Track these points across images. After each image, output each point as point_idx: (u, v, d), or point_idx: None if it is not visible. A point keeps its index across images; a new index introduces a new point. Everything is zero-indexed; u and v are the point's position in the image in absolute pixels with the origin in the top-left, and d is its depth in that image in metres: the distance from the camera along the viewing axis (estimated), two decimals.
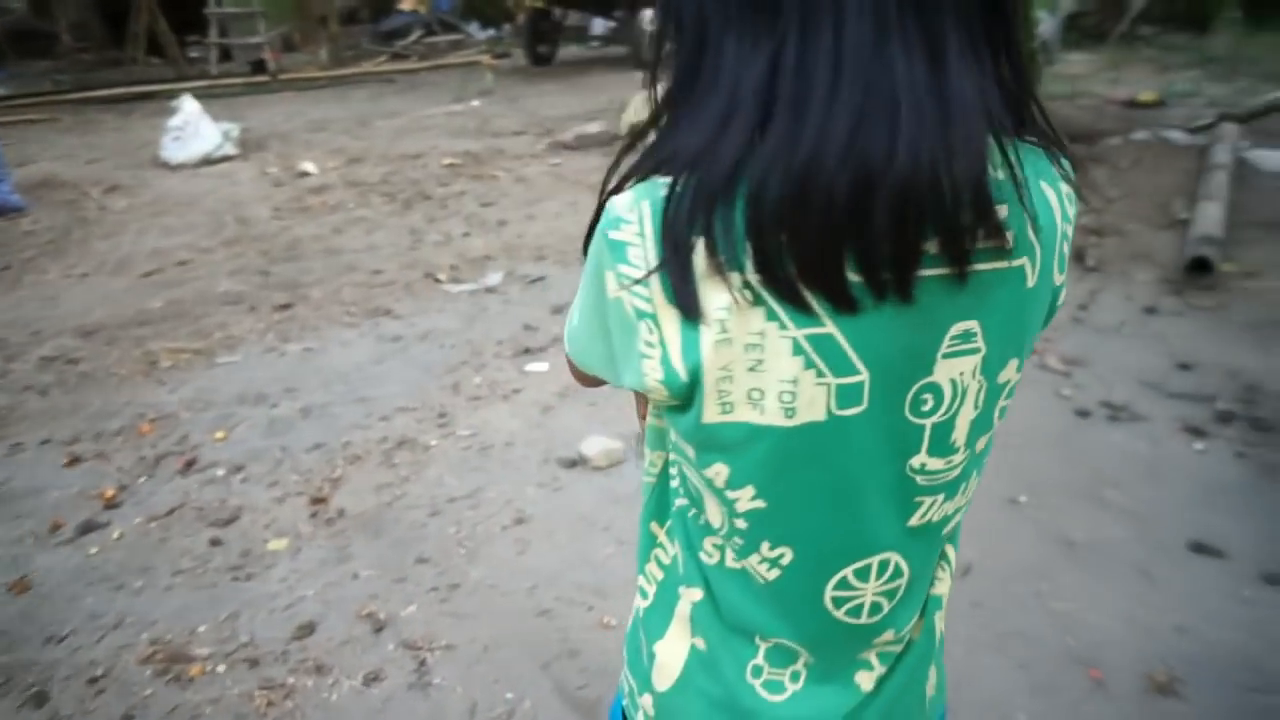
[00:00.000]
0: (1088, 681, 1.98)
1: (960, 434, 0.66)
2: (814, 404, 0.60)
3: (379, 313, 3.99)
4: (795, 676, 0.76)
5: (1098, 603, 2.19)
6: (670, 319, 0.59)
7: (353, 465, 2.84)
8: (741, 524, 0.69)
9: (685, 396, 0.63)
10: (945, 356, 0.61)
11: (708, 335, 0.58)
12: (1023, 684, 1.98)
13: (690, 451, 0.68)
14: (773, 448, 0.63)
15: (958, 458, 0.67)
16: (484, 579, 2.34)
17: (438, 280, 4.32)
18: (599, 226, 0.62)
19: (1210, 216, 4.30)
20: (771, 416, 0.61)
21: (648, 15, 9.95)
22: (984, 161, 0.55)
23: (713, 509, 0.70)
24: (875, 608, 0.73)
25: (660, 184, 0.59)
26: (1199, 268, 3.96)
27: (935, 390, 0.62)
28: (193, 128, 6.42)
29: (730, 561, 0.72)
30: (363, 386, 3.34)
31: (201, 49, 11.17)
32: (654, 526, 0.80)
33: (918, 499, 0.68)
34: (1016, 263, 0.61)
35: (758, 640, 0.75)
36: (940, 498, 0.69)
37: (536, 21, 10.50)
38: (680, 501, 0.75)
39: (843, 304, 0.56)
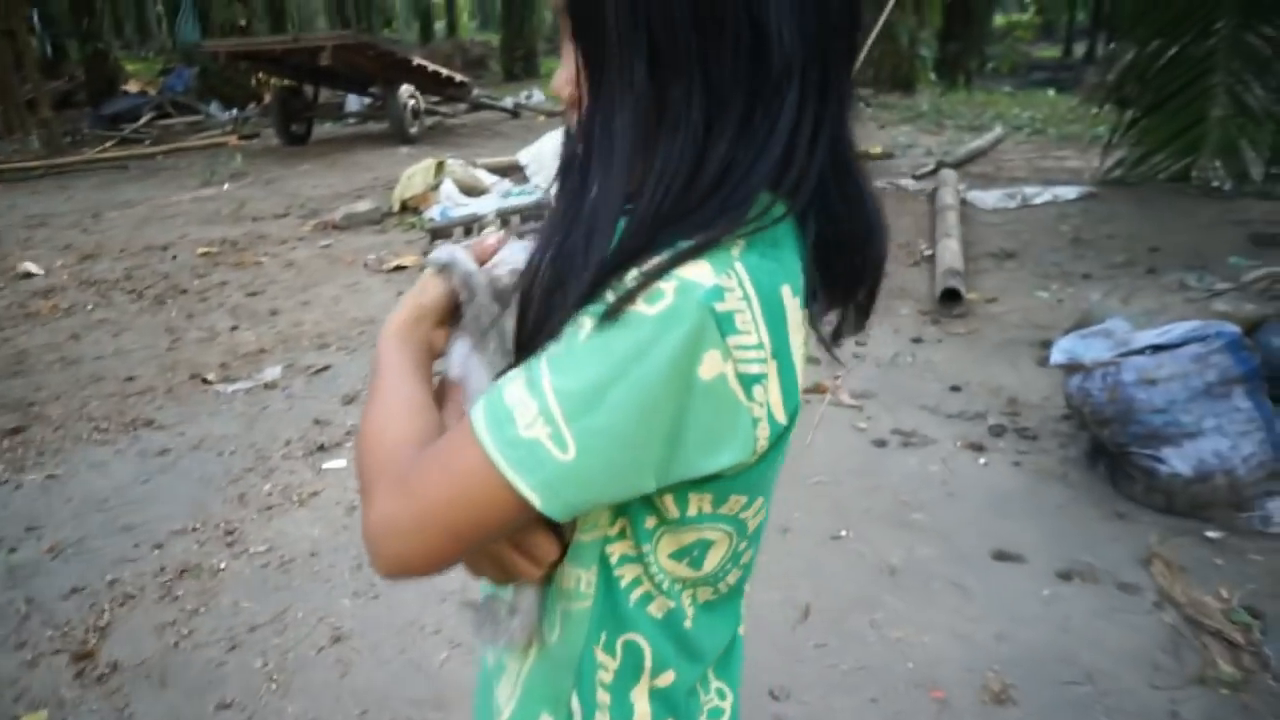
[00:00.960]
0: (932, 703, 2.04)
1: None
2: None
3: (138, 424, 3.52)
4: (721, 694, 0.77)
5: (926, 624, 2.29)
6: (773, 373, 0.58)
7: (123, 607, 2.44)
8: (744, 545, 0.70)
9: (777, 443, 0.62)
10: None
11: (799, 374, 0.61)
12: (876, 718, 2.01)
13: (722, 508, 0.65)
14: (782, 447, 0.65)
15: None
16: (303, 713, 2.06)
17: (206, 381, 3.89)
18: (668, 310, 0.53)
19: (951, 251, 4.81)
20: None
21: (406, 90, 9.84)
22: None
23: (715, 555, 0.68)
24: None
25: (730, 244, 0.56)
26: (950, 298, 4.39)
27: None
28: None
29: (707, 597, 0.71)
30: (126, 513, 2.91)
31: None
32: (598, 652, 0.69)
33: None
34: None
35: (710, 675, 0.75)
36: None
37: (286, 100, 10.04)
38: (640, 592, 0.68)
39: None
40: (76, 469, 3.19)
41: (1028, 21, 25.72)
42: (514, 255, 0.68)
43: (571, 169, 0.62)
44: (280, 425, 3.49)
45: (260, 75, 13.56)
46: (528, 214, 5.30)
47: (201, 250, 5.85)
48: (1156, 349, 2.71)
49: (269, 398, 3.74)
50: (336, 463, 3.17)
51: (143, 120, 12.67)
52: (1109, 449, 2.82)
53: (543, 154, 6.57)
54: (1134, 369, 2.68)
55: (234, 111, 13.45)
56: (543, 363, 0.56)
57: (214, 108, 13.64)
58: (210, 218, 6.81)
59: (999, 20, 25.74)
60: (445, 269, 0.68)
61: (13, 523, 2.86)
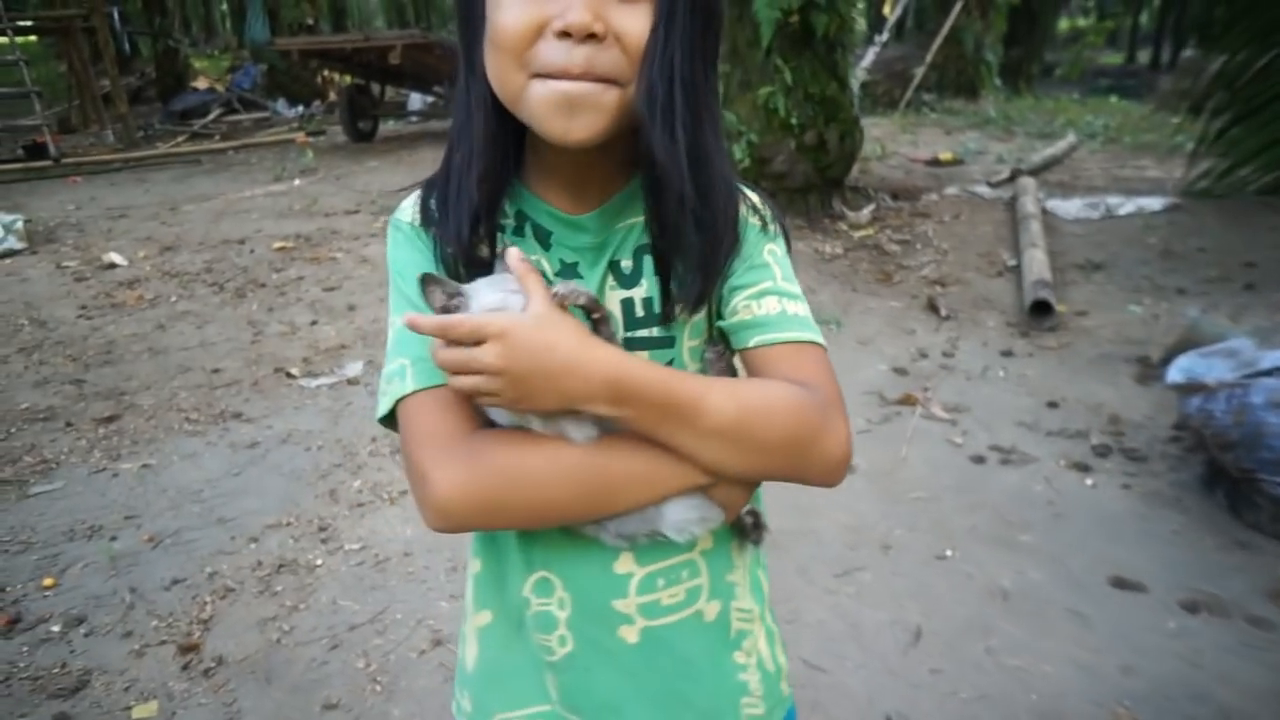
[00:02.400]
0: None
1: None
2: None
3: (226, 416, 3.55)
4: None
5: (1045, 653, 2.20)
6: None
7: (225, 600, 2.45)
8: None
9: None
10: None
11: None
12: None
13: None
14: None
15: None
16: (409, 717, 2.04)
17: (290, 375, 3.92)
18: None
19: (1039, 261, 4.67)
20: None
21: None
22: None
23: None
24: None
25: None
26: (1040, 310, 4.26)
27: None
28: None
29: None
30: (221, 505, 2.93)
31: None
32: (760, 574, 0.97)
33: None
34: None
35: None
36: None
37: (354, 98, 10.14)
38: None
39: None
40: (170, 459, 3.23)
41: (1099, 27, 25.13)
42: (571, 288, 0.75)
43: (681, 121, 0.73)
44: (365, 422, 3.49)
45: (327, 73, 13.75)
46: None
47: (277, 245, 5.92)
48: None
49: (352, 394, 3.75)
50: None
51: (211, 116, 12.92)
52: (1231, 474, 2.69)
53: None
54: (1264, 391, 2.55)
55: (300, 108, 13.65)
56: (781, 284, 0.84)
57: (280, 105, 13.85)
58: (283, 212, 6.89)
59: (1062, 25, 25.22)
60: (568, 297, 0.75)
61: (112, 511, 2.89)
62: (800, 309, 0.83)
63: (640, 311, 0.83)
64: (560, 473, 0.73)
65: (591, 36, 0.69)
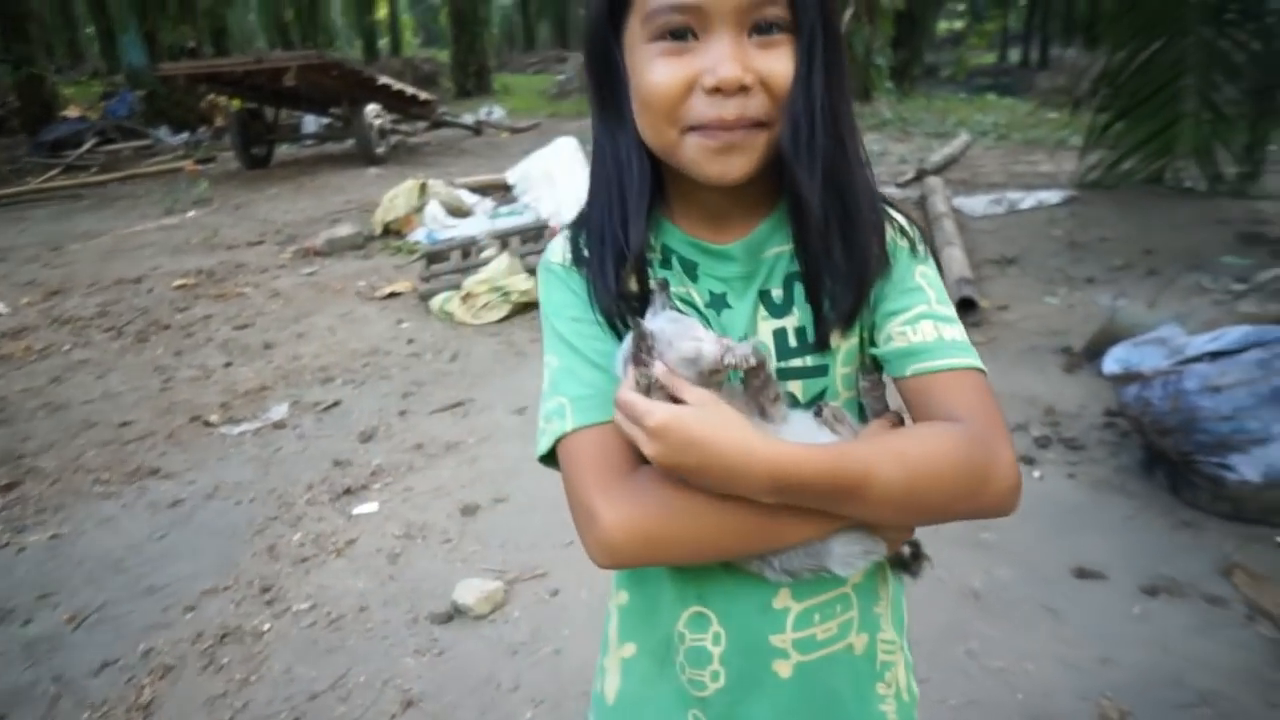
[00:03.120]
0: None
1: None
2: None
3: (142, 474, 3.30)
4: None
5: (1025, 651, 2.22)
6: None
7: (165, 680, 2.25)
8: None
9: None
10: None
11: None
12: None
13: None
14: None
15: None
16: None
17: (209, 423, 3.68)
18: None
19: (958, 260, 4.80)
20: None
21: (371, 110, 9.61)
22: None
23: None
24: None
25: None
26: (965, 306, 4.37)
27: None
28: None
29: None
30: (148, 572, 2.70)
31: None
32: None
33: None
34: None
35: None
36: None
37: (246, 122, 9.73)
38: None
39: None
40: (83, 526, 2.97)
41: (982, 30, 26.38)
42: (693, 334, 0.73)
43: (821, 153, 0.76)
44: (298, 468, 3.30)
45: (212, 97, 13.15)
46: (527, 235, 5.16)
47: (177, 282, 5.59)
48: (1215, 355, 2.69)
49: (280, 438, 3.55)
50: (367, 507, 3.00)
51: (86, 146, 12.19)
52: (1170, 457, 2.79)
53: (530, 173, 6.43)
54: (1197, 377, 2.65)
55: (186, 135, 13.02)
56: (936, 307, 0.82)
57: (163, 132, 13.18)
58: (180, 247, 6.52)
59: (942, 27, 26.37)
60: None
61: (22, 591, 2.63)
62: (957, 333, 0.81)
63: (794, 341, 0.83)
64: (725, 511, 0.72)
65: (742, 89, 0.71)
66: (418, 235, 6.11)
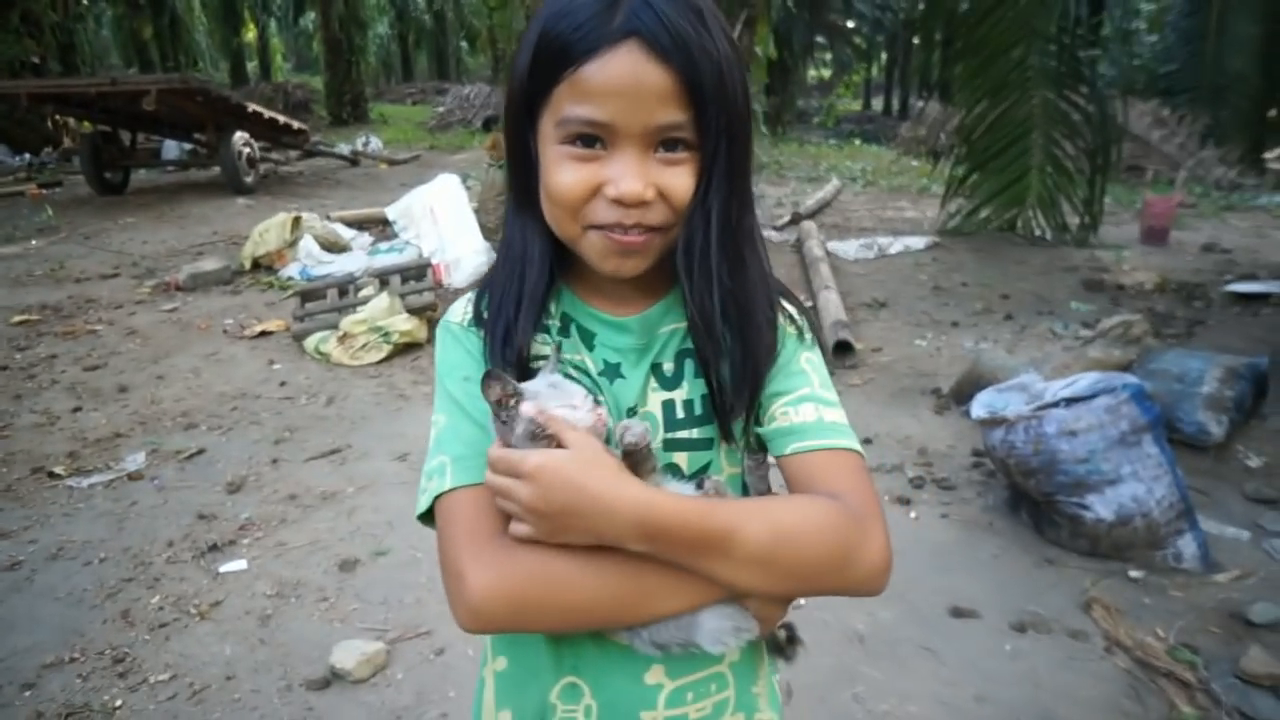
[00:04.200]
0: None
1: None
2: None
3: None
4: None
5: (907, 693, 2.28)
6: None
7: None
8: None
9: None
10: None
11: None
12: None
13: None
14: None
15: None
16: None
17: (54, 475, 3.37)
18: None
19: (834, 303, 4.99)
20: None
21: (240, 138, 9.21)
22: None
23: None
24: None
25: None
26: (841, 349, 4.54)
27: None
28: None
29: None
30: None
31: None
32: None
33: None
34: None
35: None
36: None
37: (99, 145, 9.11)
38: None
39: None
40: None
41: (848, 81, 27.91)
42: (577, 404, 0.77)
43: (715, 267, 0.80)
44: (157, 523, 3.06)
45: (59, 118, 12.28)
46: (408, 274, 5.02)
47: (17, 318, 5.14)
48: (1070, 401, 2.88)
49: (136, 491, 3.29)
50: (235, 564, 2.81)
51: None
52: (1033, 497, 2.96)
53: (411, 209, 6.28)
54: (1055, 421, 2.83)
55: (27, 157, 12.08)
56: (819, 391, 0.86)
57: (1, 152, 12.19)
58: (20, 280, 6.01)
59: (811, 75, 27.69)
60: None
61: None
62: (837, 416, 0.85)
63: (681, 413, 0.86)
64: (594, 577, 0.73)
65: (643, 202, 0.76)
66: (291, 271, 5.86)
